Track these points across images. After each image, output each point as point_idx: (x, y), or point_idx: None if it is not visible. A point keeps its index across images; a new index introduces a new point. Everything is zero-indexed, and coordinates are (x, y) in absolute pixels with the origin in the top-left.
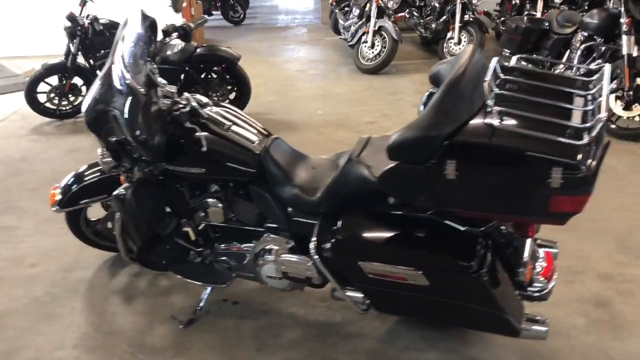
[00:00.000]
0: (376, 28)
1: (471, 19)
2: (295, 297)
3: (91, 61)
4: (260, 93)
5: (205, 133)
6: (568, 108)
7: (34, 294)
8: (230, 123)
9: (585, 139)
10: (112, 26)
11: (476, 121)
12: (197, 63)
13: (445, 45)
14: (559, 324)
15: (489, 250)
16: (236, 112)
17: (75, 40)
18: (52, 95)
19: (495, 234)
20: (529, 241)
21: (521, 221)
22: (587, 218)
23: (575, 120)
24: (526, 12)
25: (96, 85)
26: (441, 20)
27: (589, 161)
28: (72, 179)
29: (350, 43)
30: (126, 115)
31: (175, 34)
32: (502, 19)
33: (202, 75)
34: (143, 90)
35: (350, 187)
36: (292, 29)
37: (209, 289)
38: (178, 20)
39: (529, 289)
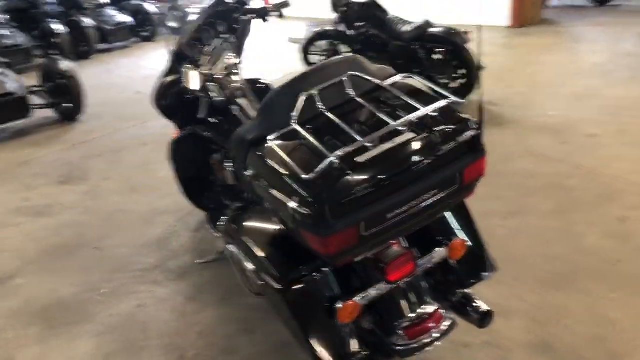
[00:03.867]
0: None
1: None
2: None
3: (352, 31)
4: (516, 82)
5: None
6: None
7: (160, 223)
8: (225, 98)
9: (311, 174)
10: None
11: (270, 135)
12: (426, 42)
13: None
14: None
15: (317, 277)
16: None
17: (337, 12)
18: (321, 58)
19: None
20: (380, 285)
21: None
22: None
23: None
24: None
25: None
26: None
27: (315, 199)
28: None
29: None
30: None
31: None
32: None
33: (432, 56)
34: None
35: None
36: None
37: None
38: None
39: (390, 339)
